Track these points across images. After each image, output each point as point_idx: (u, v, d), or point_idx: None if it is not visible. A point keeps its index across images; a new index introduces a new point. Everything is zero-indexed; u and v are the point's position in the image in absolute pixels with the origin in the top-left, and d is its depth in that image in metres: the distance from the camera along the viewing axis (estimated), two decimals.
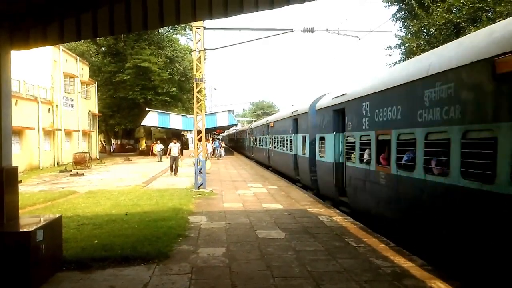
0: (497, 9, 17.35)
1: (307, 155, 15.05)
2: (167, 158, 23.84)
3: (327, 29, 16.44)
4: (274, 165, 23.76)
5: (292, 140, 17.83)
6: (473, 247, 5.33)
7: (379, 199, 8.52)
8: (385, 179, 8.05)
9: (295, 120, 17.37)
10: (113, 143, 61.07)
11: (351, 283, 5.33)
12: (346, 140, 10.61)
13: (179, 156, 22.11)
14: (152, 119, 39.15)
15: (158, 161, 33.29)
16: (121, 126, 48.92)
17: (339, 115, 11.41)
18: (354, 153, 9.96)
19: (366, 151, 9.18)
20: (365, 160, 9.21)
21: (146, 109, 40.08)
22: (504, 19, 15.97)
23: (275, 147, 22.93)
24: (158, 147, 36.04)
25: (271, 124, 24.43)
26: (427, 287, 5.15)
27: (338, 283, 5.34)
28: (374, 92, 8.74)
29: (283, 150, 20.35)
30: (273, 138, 23.59)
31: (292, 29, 15.84)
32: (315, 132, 13.73)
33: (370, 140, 8.82)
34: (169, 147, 21.80)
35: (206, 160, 19.70)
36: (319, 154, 13.16)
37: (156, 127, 43.30)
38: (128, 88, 43.00)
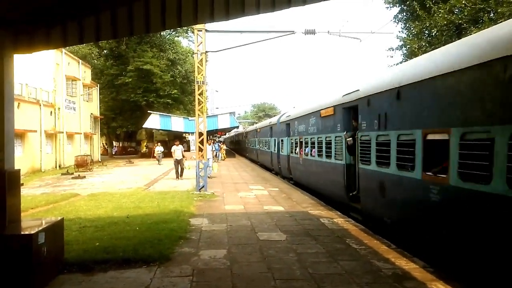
0: (499, 10, 17.34)
1: (275, 151, 22.73)
2: (173, 160, 22.14)
3: (328, 31, 16.46)
4: (261, 161, 30.58)
5: (269, 142, 25.39)
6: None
7: (298, 171, 17.05)
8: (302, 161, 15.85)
9: (271, 128, 24.83)
10: (115, 146, 61.16)
11: (352, 285, 5.33)
12: (291, 141, 18.28)
13: (184, 159, 21.08)
14: (154, 121, 39.25)
15: (159, 164, 32.26)
16: (123, 129, 49.04)
17: (288, 126, 19.19)
18: (296, 149, 17.11)
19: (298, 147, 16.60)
20: (295, 152, 17.13)
21: (148, 111, 40.19)
22: (506, 19, 16.00)
23: (260, 146, 30.54)
24: (158, 149, 34.82)
25: (258, 130, 32.04)
26: None
27: (339, 285, 5.34)
28: (297, 116, 17.13)
29: (265, 149, 27.93)
30: (259, 140, 31.15)
31: (293, 31, 15.86)
32: (280, 136, 21.55)
33: (301, 141, 16.01)
34: (172, 150, 20.75)
35: (212, 163, 19.75)
36: (281, 150, 21.14)
37: (158, 130, 43.38)
38: (130, 91, 43.13)
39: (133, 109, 45.96)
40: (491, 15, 18.40)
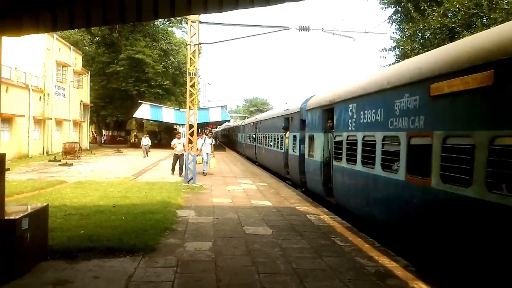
0: (492, 16, 17.52)
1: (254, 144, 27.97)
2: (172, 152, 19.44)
3: (322, 29, 16.47)
4: (245, 152, 34.40)
5: (238, 136, 36.83)
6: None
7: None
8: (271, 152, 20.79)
9: (243, 127, 35.59)
10: (104, 134, 60.63)
11: (335, 281, 5.38)
12: (258, 136, 25.83)
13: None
14: (145, 111, 38.93)
15: (144, 157, 28.97)
16: (113, 118, 48.64)
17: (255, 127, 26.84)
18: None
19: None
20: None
21: (139, 101, 39.84)
22: (498, 25, 16.17)
23: (244, 139, 35.46)
24: (144, 141, 30.67)
25: (242, 127, 38.93)
26: (410, 287, 5.22)
27: (322, 280, 5.39)
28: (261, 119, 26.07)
29: (247, 141, 33.19)
30: (242, 135, 37.54)
31: (287, 27, 15.83)
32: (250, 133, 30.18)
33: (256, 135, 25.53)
34: (172, 143, 18.19)
35: (212, 158, 18.24)
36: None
37: (148, 120, 43.06)
38: (121, 80, 42.68)
39: (123, 98, 45.51)
40: (484, 20, 18.58)
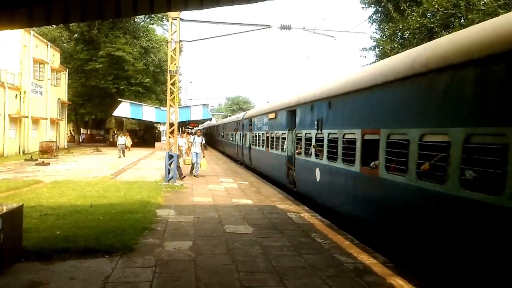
0: (469, 16, 17.90)
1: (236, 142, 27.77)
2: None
3: (304, 28, 16.55)
4: (224, 149, 36.86)
5: (219, 135, 38.22)
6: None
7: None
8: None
9: (223, 126, 36.90)
10: (83, 133, 59.54)
11: (314, 278, 5.42)
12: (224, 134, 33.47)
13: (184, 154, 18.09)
14: (124, 109, 38.40)
15: (120, 157, 27.35)
16: (92, 116, 47.66)
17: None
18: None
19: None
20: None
21: (118, 99, 39.22)
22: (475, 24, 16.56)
23: (224, 137, 36.58)
24: (120, 140, 28.98)
25: (222, 126, 39.50)
26: (387, 284, 5.30)
27: (302, 278, 5.42)
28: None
29: (228, 140, 32.97)
30: (223, 133, 37.78)
31: (269, 25, 15.85)
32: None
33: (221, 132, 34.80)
34: (178, 144, 16.23)
35: (203, 158, 16.99)
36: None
37: (128, 118, 42.46)
38: (100, 77, 41.89)
39: (102, 96, 44.69)
40: (461, 20, 18.96)
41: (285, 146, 13.96)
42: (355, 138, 8.05)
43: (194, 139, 17.24)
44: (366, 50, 26.56)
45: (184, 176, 15.91)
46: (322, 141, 9.93)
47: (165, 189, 13.23)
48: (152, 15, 42.23)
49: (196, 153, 17.02)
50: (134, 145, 37.09)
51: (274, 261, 6.07)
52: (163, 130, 38.41)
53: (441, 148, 5.26)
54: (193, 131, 67.44)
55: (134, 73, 41.85)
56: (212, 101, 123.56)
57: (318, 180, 10.30)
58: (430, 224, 5.44)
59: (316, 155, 10.46)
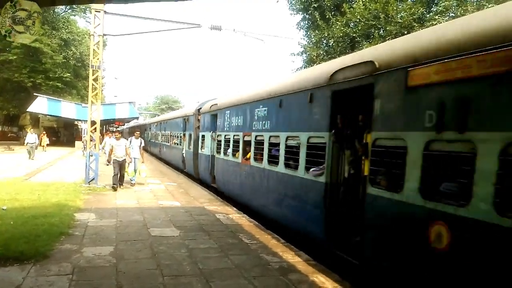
0: (388, 28, 19.29)
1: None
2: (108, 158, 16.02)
3: (234, 29, 16.62)
4: (151, 150, 35.39)
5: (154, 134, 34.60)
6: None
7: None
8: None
9: (160, 124, 31.89)
10: None
11: (240, 279, 5.44)
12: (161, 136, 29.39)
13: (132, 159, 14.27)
14: (41, 105, 35.41)
15: (30, 159, 23.59)
16: (4, 111, 43.36)
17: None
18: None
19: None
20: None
21: (34, 94, 36.15)
22: (393, 37, 17.90)
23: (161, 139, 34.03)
24: (29, 138, 24.55)
25: (149, 125, 40.05)
26: (310, 281, 5.49)
27: (228, 279, 5.41)
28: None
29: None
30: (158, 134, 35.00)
31: (199, 24, 15.68)
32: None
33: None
34: (104, 144, 14.59)
35: (142, 163, 14.51)
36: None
37: (45, 115, 39.32)
38: (14, 70, 38.20)
39: (16, 90, 40.89)
40: (381, 32, 20.35)
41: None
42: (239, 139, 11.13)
43: (131, 142, 14.27)
44: (295, 55, 27.41)
45: (115, 186, 13.17)
46: (230, 140, 11.99)
47: (86, 191, 12.46)
48: (74, 6, 39.60)
49: (134, 158, 14.28)
50: (52, 143, 34.39)
51: (201, 263, 5.99)
52: (83, 128, 35.87)
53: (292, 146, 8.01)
54: (119, 129, 64.40)
55: (53, 67, 38.76)
56: (139, 99, 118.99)
57: (219, 169, 13.03)
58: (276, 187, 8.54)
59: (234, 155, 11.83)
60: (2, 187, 12.14)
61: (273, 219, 8.74)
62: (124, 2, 5.69)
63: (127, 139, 14.43)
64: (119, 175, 13.38)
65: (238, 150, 11.20)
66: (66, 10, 42.87)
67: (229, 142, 12.00)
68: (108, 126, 46.94)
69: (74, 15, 44.83)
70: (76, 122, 40.27)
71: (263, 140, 9.34)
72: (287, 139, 8.07)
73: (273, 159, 8.70)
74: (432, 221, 4.19)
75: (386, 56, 5.34)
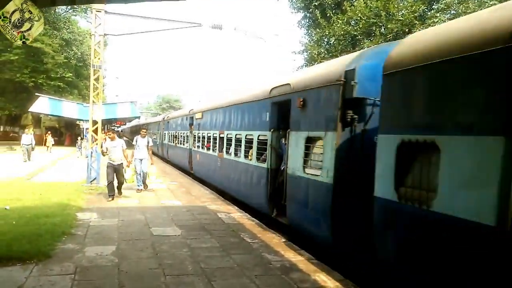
0: (389, 26, 19.24)
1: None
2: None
3: (235, 28, 16.64)
4: (167, 155, 38.02)
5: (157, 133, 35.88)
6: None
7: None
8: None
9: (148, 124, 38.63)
10: None
11: (242, 278, 5.45)
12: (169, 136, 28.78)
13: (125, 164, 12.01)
14: (43, 105, 35.39)
15: (25, 161, 21.95)
16: (5, 112, 43.41)
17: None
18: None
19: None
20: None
21: (36, 94, 36.18)
22: (394, 35, 17.86)
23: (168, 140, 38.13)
24: (25, 139, 22.99)
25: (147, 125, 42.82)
26: (312, 280, 5.49)
27: (230, 278, 5.42)
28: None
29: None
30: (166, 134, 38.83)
31: (200, 24, 15.72)
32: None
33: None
34: (103, 147, 12.12)
35: (151, 165, 13.60)
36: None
37: (47, 115, 39.36)
38: (16, 70, 38.21)
39: (18, 90, 40.86)
40: (382, 29, 20.29)
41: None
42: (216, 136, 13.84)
43: (137, 141, 12.78)
44: (296, 53, 27.40)
45: (112, 195, 11.19)
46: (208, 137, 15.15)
47: (87, 191, 12.49)
48: (75, 6, 39.60)
49: (141, 160, 12.64)
50: (55, 143, 34.31)
51: (203, 262, 6.00)
52: (85, 128, 35.77)
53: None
54: (119, 129, 64.32)
55: (54, 67, 38.77)
56: (141, 99, 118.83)
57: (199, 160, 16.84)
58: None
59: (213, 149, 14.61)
60: (5, 187, 12.19)
61: (233, 197, 11.78)
62: (124, 2, 5.69)
63: (127, 139, 14.41)
64: (117, 182, 11.47)
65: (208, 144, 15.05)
66: (67, 10, 42.88)
67: (201, 138, 15.97)
68: (109, 125, 46.99)
69: (75, 15, 44.84)
70: (78, 122, 40.29)
71: (229, 137, 12.06)
72: (245, 136, 10.64)
73: (231, 151, 11.93)
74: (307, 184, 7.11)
75: (295, 82, 8.01)
